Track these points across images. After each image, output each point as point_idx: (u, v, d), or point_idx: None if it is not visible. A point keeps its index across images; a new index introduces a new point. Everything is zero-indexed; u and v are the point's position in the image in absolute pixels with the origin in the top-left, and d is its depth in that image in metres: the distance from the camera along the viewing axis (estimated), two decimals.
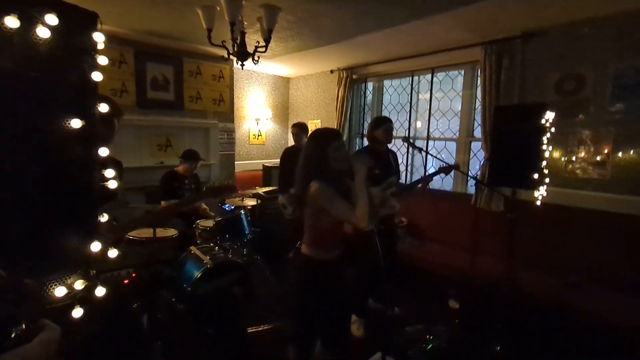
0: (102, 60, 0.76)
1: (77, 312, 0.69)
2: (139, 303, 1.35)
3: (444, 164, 2.59)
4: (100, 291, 0.77)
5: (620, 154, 2.73)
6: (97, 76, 0.73)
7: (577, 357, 2.31)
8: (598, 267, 2.67)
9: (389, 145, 2.94)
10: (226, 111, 4.72)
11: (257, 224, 3.83)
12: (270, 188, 4.39)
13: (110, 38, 3.66)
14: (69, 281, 0.69)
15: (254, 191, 3.81)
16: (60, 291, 0.66)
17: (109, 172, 0.77)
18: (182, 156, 3.48)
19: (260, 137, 5.61)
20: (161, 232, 3.12)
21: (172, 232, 3.16)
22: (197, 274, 2.61)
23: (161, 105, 4.10)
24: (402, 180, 3.39)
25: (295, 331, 1.93)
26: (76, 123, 0.67)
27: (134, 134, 3.95)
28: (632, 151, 2.68)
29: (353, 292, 2.82)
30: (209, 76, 4.46)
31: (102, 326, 1.21)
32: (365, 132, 4.99)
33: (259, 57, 2.56)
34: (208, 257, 2.74)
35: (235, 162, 4.99)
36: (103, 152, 0.74)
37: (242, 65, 2.52)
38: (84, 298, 0.72)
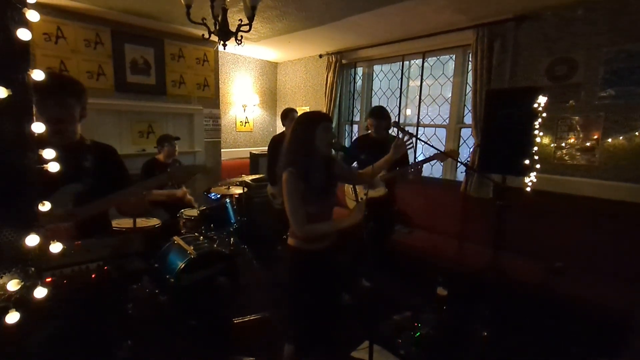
0: (32, 15, 0.63)
1: (13, 317, 0.59)
2: (108, 299, 1.26)
3: (437, 151, 2.56)
4: (40, 292, 0.67)
5: (609, 140, 2.71)
6: (24, 34, 0.61)
7: (562, 342, 2.33)
8: (584, 252, 2.68)
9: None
10: (211, 96, 4.55)
11: (243, 212, 3.74)
12: (258, 176, 4.29)
13: (85, 17, 3.44)
14: (0, 281, 0.59)
15: (241, 179, 3.70)
16: None
17: (48, 153, 0.66)
18: (157, 143, 3.36)
19: (247, 124, 5.46)
20: (143, 222, 3.02)
21: (154, 222, 3.06)
22: (181, 264, 2.52)
23: (142, 89, 3.91)
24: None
25: (291, 327, 1.85)
26: (0, 92, 0.56)
27: (113, 119, 3.77)
28: (621, 137, 2.67)
29: (344, 274, 2.83)
30: (192, 59, 4.27)
31: (67, 324, 1.13)
32: (354, 118, 4.91)
33: (241, 37, 2.43)
34: (192, 247, 2.65)
35: (222, 150, 4.85)
36: (37, 128, 0.63)
37: (224, 45, 2.38)
38: (21, 300, 0.62)
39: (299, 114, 1.87)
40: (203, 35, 2.48)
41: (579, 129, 2.85)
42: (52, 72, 2.20)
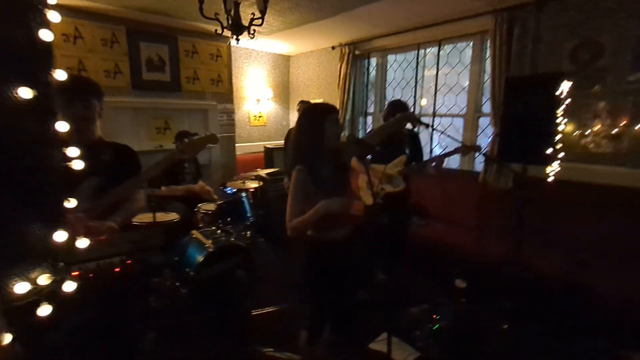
0: (54, 16, 0.64)
1: (45, 310, 0.62)
2: (131, 292, 1.29)
3: (459, 143, 2.52)
4: (69, 286, 0.69)
5: (638, 126, 2.58)
6: (46, 35, 0.62)
7: (587, 336, 2.27)
8: (610, 244, 2.59)
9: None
10: (225, 92, 4.58)
11: (259, 206, 3.77)
12: (273, 170, 4.31)
13: (101, 16, 3.50)
14: (32, 276, 0.61)
15: (256, 173, 3.73)
16: (21, 287, 0.59)
17: (72, 151, 0.67)
18: (176, 139, 3.40)
19: (261, 118, 5.47)
20: (162, 217, 3.09)
21: (173, 216, 3.12)
22: (200, 258, 2.57)
23: (157, 86, 3.97)
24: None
25: (306, 315, 1.89)
26: (26, 93, 0.57)
27: (130, 117, 3.85)
28: None
29: (360, 268, 2.83)
30: (205, 55, 4.30)
31: (92, 317, 1.16)
32: (368, 110, 4.85)
33: (254, 31, 2.42)
34: (210, 241, 2.70)
35: (236, 145, 4.89)
36: (62, 127, 0.65)
37: (237, 39, 2.38)
38: (52, 294, 0.64)
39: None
40: (216, 30, 2.49)
41: (605, 115, 2.73)
42: (74, 74, 2.27)
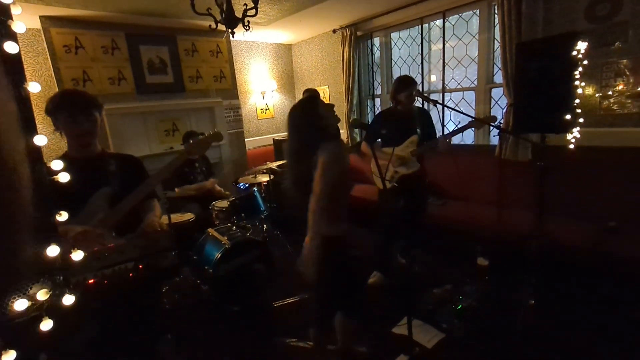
0: (19, 27, 0.61)
1: (47, 325, 0.62)
2: (144, 296, 1.31)
3: (471, 118, 2.40)
4: (68, 299, 0.69)
5: None
6: (12, 47, 0.59)
7: (620, 307, 2.17)
8: (638, 209, 2.45)
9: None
10: (229, 87, 4.55)
11: (272, 199, 3.77)
12: (283, 162, 4.29)
13: (99, 24, 3.51)
14: (30, 292, 0.61)
15: (266, 166, 3.72)
16: (20, 304, 0.58)
17: (56, 164, 0.66)
18: (183, 140, 3.42)
19: (268, 110, 5.44)
20: (178, 217, 3.14)
21: (188, 216, 3.17)
22: (217, 255, 2.60)
23: (161, 89, 3.98)
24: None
25: (314, 305, 1.89)
26: None
27: (138, 121, 3.89)
28: None
29: (376, 251, 2.80)
30: (206, 53, 4.27)
31: (109, 323, 1.18)
32: (375, 92, 4.73)
33: (249, 23, 2.36)
34: (226, 238, 2.72)
35: (245, 140, 4.89)
36: (40, 140, 0.63)
37: (232, 32, 2.33)
38: (52, 308, 0.64)
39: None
40: (210, 25, 2.44)
41: (628, 73, 2.55)
42: (72, 89, 2.30)
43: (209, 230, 2.91)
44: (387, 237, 2.80)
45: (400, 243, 3.01)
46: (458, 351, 2.03)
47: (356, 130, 4.64)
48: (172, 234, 2.62)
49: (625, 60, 2.55)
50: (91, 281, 1.26)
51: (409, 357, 1.96)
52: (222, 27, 2.51)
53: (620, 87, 2.60)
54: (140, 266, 1.33)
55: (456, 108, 2.33)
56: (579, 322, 2.16)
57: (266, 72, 5.36)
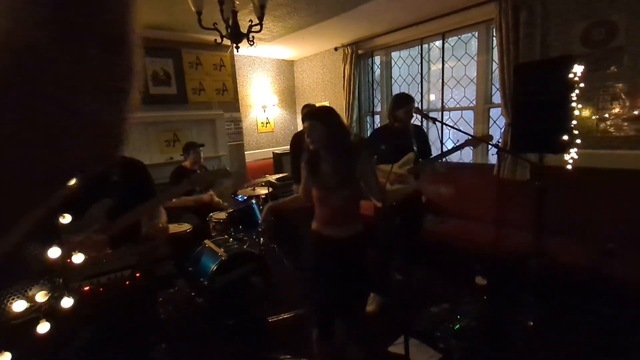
0: None
1: (43, 327, 0.60)
2: (141, 304, 1.29)
3: (469, 136, 2.42)
4: (67, 302, 0.67)
5: None
6: None
7: (619, 329, 2.14)
8: (635, 232, 2.45)
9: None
10: (231, 100, 4.61)
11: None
12: (282, 175, 4.30)
13: None
14: (29, 293, 0.60)
15: (265, 179, 3.72)
16: (19, 305, 0.58)
17: None
18: (183, 151, 3.44)
19: (268, 124, 5.49)
20: (175, 228, 3.12)
21: (186, 227, 3.15)
22: (213, 266, 2.57)
23: (165, 100, 4.03)
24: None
25: (313, 310, 1.91)
26: None
27: (140, 131, 3.91)
28: None
29: (372, 269, 2.77)
30: (209, 66, 4.34)
31: (103, 330, 1.16)
32: (375, 109, 4.79)
33: (253, 38, 2.41)
34: (222, 250, 2.69)
35: (245, 152, 4.92)
36: None
37: (237, 47, 2.38)
38: (51, 310, 0.63)
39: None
40: (215, 40, 2.49)
41: (624, 96, 2.60)
42: None
43: (206, 241, 2.89)
44: (384, 255, 2.76)
45: (397, 260, 2.98)
46: None
47: None
48: (171, 243, 2.60)
49: (620, 84, 2.61)
50: (86, 288, 1.24)
51: None
52: (227, 41, 2.57)
53: (617, 110, 2.64)
54: (138, 274, 1.32)
55: (454, 126, 2.36)
56: (578, 344, 2.12)
57: (268, 86, 5.44)
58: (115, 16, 0.20)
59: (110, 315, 1.25)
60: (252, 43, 2.45)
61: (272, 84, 5.50)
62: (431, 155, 2.78)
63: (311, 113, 1.73)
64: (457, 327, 2.25)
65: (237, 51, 2.43)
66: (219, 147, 4.47)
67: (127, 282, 1.29)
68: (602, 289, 2.25)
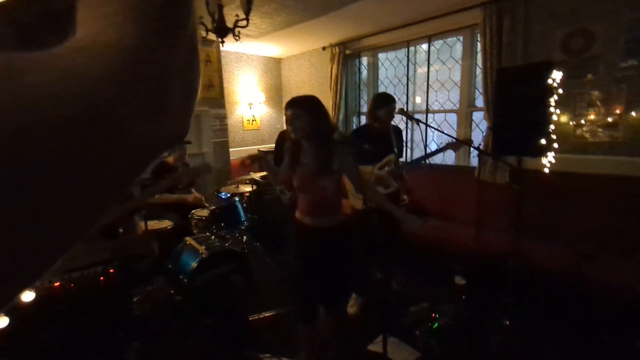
0: None
1: (2, 322, 0.58)
2: (115, 301, 1.25)
3: (451, 139, 2.44)
4: (28, 296, 0.65)
5: (633, 113, 2.55)
6: None
7: (592, 330, 2.22)
8: (612, 234, 2.54)
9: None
10: (217, 97, 4.55)
11: (254, 210, 3.73)
12: (266, 173, 4.26)
13: None
14: None
15: (249, 177, 3.69)
16: None
17: None
18: None
19: (254, 122, 5.45)
20: (155, 225, 3.05)
21: (166, 223, 3.09)
22: (193, 264, 2.52)
23: None
24: (404, 157, 3.21)
25: (296, 297, 1.96)
26: None
27: None
28: None
29: (353, 262, 2.79)
30: None
31: (73, 326, 1.12)
32: (362, 110, 4.81)
33: (239, 33, 2.38)
34: (204, 247, 2.65)
35: (230, 149, 4.86)
36: None
37: (222, 42, 2.35)
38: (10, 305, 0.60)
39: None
40: (201, 34, 2.45)
41: (599, 104, 2.70)
42: None
43: (187, 238, 2.83)
44: (364, 255, 2.76)
45: (376, 260, 2.99)
46: None
47: None
48: (150, 240, 2.54)
49: (596, 92, 2.70)
50: (57, 284, 1.20)
51: None
52: (212, 36, 2.53)
53: (592, 116, 2.73)
54: (112, 270, 1.28)
55: (438, 128, 2.39)
56: (552, 343, 2.19)
57: (255, 84, 5.39)
58: (194, 19, 0.24)
59: (82, 312, 1.21)
60: (237, 38, 2.42)
61: (259, 81, 5.46)
62: (402, 154, 2.78)
63: (295, 101, 1.72)
64: (435, 326, 2.28)
65: (223, 46, 2.40)
66: (203, 144, 4.41)
67: (102, 278, 1.25)
68: (576, 290, 2.32)
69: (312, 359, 2.03)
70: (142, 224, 2.82)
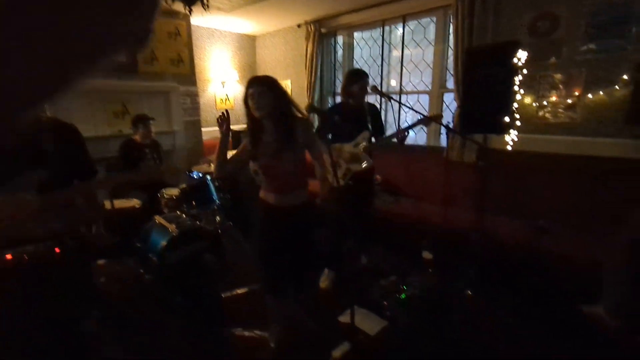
0: None
1: None
2: (72, 275, 1.20)
3: (421, 116, 2.48)
4: None
5: (590, 96, 2.69)
6: None
7: (544, 296, 2.39)
8: (566, 209, 2.72)
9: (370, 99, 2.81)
10: (187, 73, 4.37)
11: (227, 190, 3.68)
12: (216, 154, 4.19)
13: None
14: None
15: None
16: None
17: None
18: (132, 124, 3.24)
19: (227, 101, 5.30)
20: (123, 203, 2.96)
21: (134, 202, 3.00)
22: (163, 242, 2.48)
23: (112, 67, 3.71)
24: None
25: (265, 276, 1.99)
26: None
27: (84, 100, 3.60)
28: (601, 92, 2.65)
29: (323, 241, 2.84)
30: (163, 34, 4.06)
31: (27, 300, 1.08)
32: (336, 90, 4.79)
33: (208, 2, 2.28)
34: (174, 225, 2.60)
35: (202, 129, 4.72)
36: None
37: (190, 10, 2.24)
38: None
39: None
40: (166, 4, 2.33)
41: (561, 86, 2.82)
42: None
43: (156, 217, 2.77)
44: (338, 232, 2.81)
45: (350, 238, 3.06)
46: (400, 337, 2.12)
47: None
48: (105, 211, 2.46)
49: (559, 75, 2.81)
50: (8, 257, 1.14)
51: (352, 343, 1.99)
52: (180, 6, 2.41)
53: (554, 98, 2.86)
54: (68, 243, 1.24)
55: (408, 105, 2.42)
56: (508, 310, 2.34)
57: (228, 61, 5.22)
58: None
59: (37, 286, 1.17)
60: (206, 7, 2.32)
61: (233, 58, 5.29)
62: (384, 132, 2.83)
63: (258, 79, 1.72)
64: (403, 296, 2.38)
65: (191, 14, 2.29)
66: (174, 122, 4.25)
67: (57, 250, 1.21)
68: (530, 261, 2.48)
69: (284, 331, 2.08)
70: (108, 202, 2.73)
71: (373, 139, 2.69)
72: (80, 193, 1.33)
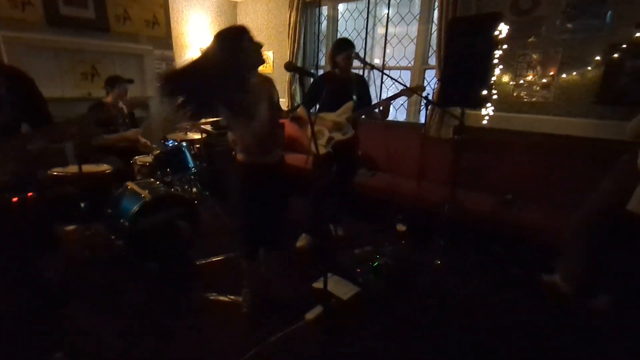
0: None
1: None
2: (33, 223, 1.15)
3: (403, 86, 2.49)
4: None
5: (564, 76, 2.75)
6: None
7: (507, 265, 2.53)
8: (533, 185, 2.83)
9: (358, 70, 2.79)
10: (163, 36, 4.15)
11: (204, 159, 3.61)
12: (217, 119, 4.08)
13: None
14: None
15: (198, 124, 3.52)
16: None
17: None
18: (106, 84, 3.07)
19: None
20: (92, 169, 2.84)
21: (104, 167, 2.88)
22: (135, 208, 2.42)
23: (79, 24, 3.47)
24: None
25: (240, 234, 2.00)
26: None
27: (49, 58, 3.37)
28: (574, 72, 2.71)
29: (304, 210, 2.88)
30: None
31: None
32: (320, 63, 4.70)
33: None
34: (147, 191, 2.54)
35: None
36: None
37: None
38: None
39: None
40: None
41: (537, 65, 2.87)
42: None
43: (128, 183, 2.69)
44: (318, 201, 2.84)
45: (329, 207, 3.09)
46: (371, 302, 2.19)
47: (297, 98, 4.60)
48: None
49: (536, 54, 2.86)
50: None
51: (325, 307, 2.05)
52: None
53: (530, 77, 2.91)
54: (30, 194, 1.18)
55: (390, 76, 2.40)
56: (477, 278, 2.46)
57: (207, 27, 4.99)
58: None
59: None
60: None
61: (212, 24, 5.05)
62: (369, 104, 2.82)
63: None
64: (375, 264, 2.45)
65: None
66: (148, 87, 4.07)
67: (15, 199, 1.15)
68: (495, 232, 2.60)
69: (256, 295, 2.10)
70: (75, 167, 2.61)
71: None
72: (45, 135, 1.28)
